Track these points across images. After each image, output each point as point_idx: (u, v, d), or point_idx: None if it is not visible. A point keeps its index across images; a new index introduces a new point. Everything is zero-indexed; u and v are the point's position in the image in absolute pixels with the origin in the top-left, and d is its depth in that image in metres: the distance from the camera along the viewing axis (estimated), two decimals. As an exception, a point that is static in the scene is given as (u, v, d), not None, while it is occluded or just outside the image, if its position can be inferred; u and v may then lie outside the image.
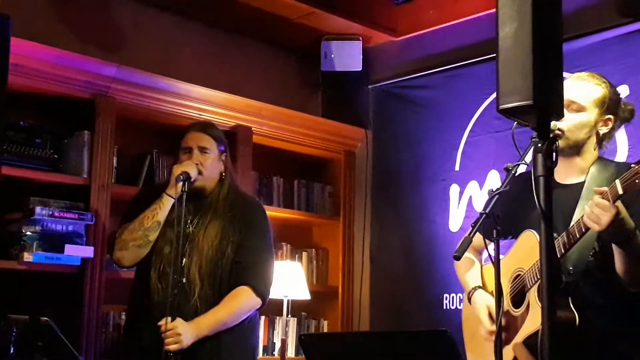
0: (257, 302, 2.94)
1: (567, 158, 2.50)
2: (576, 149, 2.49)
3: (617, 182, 2.18)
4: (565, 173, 2.52)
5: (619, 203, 2.20)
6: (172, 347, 2.74)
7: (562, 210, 2.42)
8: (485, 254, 2.91)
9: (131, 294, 3.06)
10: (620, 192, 2.17)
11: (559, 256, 2.33)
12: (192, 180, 2.90)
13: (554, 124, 1.77)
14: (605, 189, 2.22)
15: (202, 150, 3.01)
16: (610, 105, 2.51)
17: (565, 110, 2.31)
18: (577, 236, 2.30)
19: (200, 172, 2.96)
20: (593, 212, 2.21)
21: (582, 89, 2.49)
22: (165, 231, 2.92)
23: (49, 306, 3.48)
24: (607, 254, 2.36)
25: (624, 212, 2.22)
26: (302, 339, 2.13)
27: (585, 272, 2.38)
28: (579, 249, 2.37)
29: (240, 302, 2.91)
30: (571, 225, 2.34)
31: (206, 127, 3.12)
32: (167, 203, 2.91)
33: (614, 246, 2.30)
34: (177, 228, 2.85)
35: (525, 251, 2.46)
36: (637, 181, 2.12)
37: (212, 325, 2.86)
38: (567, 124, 2.44)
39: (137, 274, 3.04)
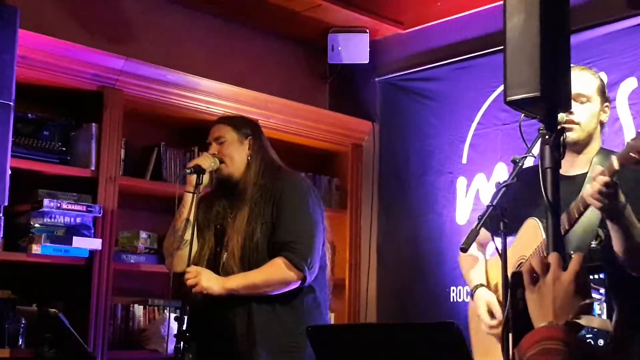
0: (291, 275, 2.81)
1: (576, 151, 2.56)
2: (589, 139, 2.57)
3: (613, 157, 2.25)
4: (571, 165, 2.56)
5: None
6: (190, 281, 2.74)
7: (564, 201, 2.44)
8: (490, 249, 2.91)
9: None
10: (616, 167, 2.22)
11: (562, 235, 2.37)
12: (205, 172, 2.89)
13: (561, 116, 1.77)
14: (602, 168, 2.27)
15: (218, 140, 3.01)
16: (605, 93, 2.63)
17: (575, 103, 2.41)
18: (576, 216, 2.36)
19: (222, 161, 2.96)
20: (596, 190, 2.25)
21: (584, 80, 2.57)
22: (204, 234, 2.93)
23: (57, 298, 3.50)
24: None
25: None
26: (309, 331, 2.14)
27: (592, 260, 2.40)
28: (581, 235, 2.40)
29: (273, 269, 2.82)
30: (570, 207, 2.38)
31: (221, 118, 3.15)
32: (187, 199, 2.91)
33: (609, 224, 2.34)
34: (214, 224, 2.90)
35: (526, 238, 2.48)
36: (631, 154, 2.19)
37: (241, 282, 2.81)
38: (581, 115, 2.52)
39: None
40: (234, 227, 2.90)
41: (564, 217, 2.39)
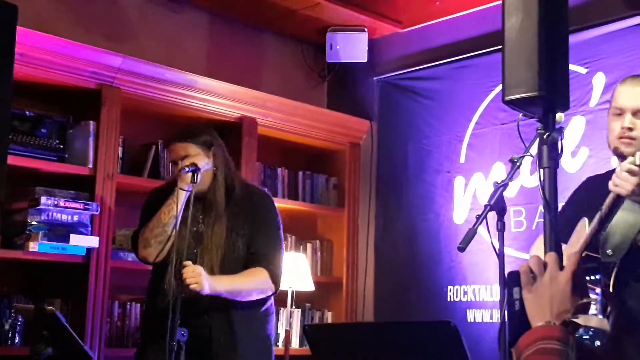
0: (270, 286, 2.97)
1: None
2: None
3: (638, 153, 2.29)
4: None
5: None
6: (193, 286, 2.75)
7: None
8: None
9: (149, 287, 3.08)
10: (638, 162, 2.27)
11: (594, 231, 2.40)
12: (200, 170, 2.90)
13: (559, 115, 1.77)
14: (632, 158, 2.31)
15: (184, 159, 2.96)
16: None
17: (634, 118, 2.48)
18: (609, 207, 2.38)
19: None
20: (619, 177, 2.29)
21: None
22: (181, 229, 2.92)
23: (55, 296, 3.50)
24: None
25: None
26: (306, 330, 2.14)
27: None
28: (622, 232, 2.40)
29: (256, 278, 2.95)
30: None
31: (182, 134, 3.05)
32: (181, 196, 2.90)
33: None
34: (191, 226, 2.88)
35: (576, 236, 2.49)
36: None
37: (228, 285, 2.90)
38: (639, 129, 2.52)
39: (154, 269, 3.06)
40: (212, 239, 2.95)
41: (596, 218, 2.42)
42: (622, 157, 2.56)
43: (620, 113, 2.51)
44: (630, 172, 2.28)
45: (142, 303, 3.90)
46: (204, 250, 2.94)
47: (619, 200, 2.37)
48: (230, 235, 2.95)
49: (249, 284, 2.95)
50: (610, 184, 2.34)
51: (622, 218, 2.43)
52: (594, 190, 2.43)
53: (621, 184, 2.30)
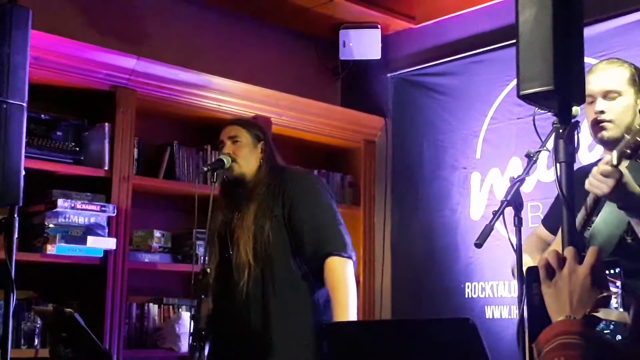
0: (349, 262, 2.91)
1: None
2: (628, 133, 2.53)
3: (614, 152, 2.23)
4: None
5: (624, 169, 2.22)
6: None
7: None
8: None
9: None
10: (615, 162, 2.20)
11: (580, 230, 2.37)
12: (224, 165, 2.93)
13: (575, 109, 1.75)
14: (609, 157, 2.25)
15: (233, 139, 3.03)
16: (638, 82, 2.55)
17: (605, 100, 2.43)
18: (591, 207, 2.35)
19: (234, 160, 2.98)
20: (595, 178, 2.23)
21: (612, 75, 2.51)
22: (212, 246, 2.96)
23: (73, 298, 3.52)
24: None
25: (627, 176, 2.23)
26: (323, 328, 2.14)
27: (627, 255, 2.39)
28: (608, 229, 2.37)
29: (340, 274, 2.88)
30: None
31: (236, 119, 3.19)
32: None
33: (631, 221, 2.32)
34: (222, 229, 2.91)
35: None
36: (627, 150, 2.19)
37: (346, 314, 2.81)
38: (614, 111, 2.46)
39: None
40: (242, 226, 2.93)
41: (582, 211, 2.38)
42: (604, 143, 2.52)
43: (592, 100, 2.47)
44: (604, 174, 2.21)
45: (159, 304, 3.93)
46: (238, 238, 2.92)
47: (599, 198, 2.33)
48: (258, 219, 2.92)
49: (344, 287, 2.86)
50: (587, 183, 2.27)
51: (608, 215, 2.39)
52: (580, 184, 2.38)
53: (598, 185, 2.24)
